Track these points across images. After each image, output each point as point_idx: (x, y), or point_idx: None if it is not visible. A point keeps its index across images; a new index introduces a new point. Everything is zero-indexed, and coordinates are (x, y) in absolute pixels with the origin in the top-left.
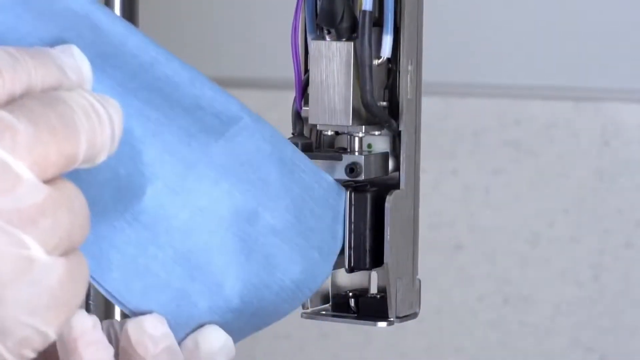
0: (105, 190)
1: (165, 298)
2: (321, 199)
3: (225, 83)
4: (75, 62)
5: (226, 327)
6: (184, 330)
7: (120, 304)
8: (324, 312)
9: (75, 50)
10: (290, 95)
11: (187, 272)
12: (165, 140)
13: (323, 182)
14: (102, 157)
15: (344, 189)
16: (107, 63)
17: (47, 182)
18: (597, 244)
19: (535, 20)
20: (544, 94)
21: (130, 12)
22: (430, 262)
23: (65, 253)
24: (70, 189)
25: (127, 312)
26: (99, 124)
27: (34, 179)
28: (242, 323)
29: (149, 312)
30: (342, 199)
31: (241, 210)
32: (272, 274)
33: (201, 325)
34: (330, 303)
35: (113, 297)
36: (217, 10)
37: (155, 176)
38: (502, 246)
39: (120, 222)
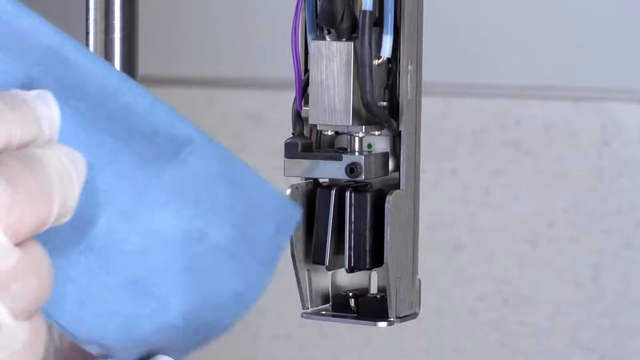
0: (63, 225)
1: (114, 325)
2: (266, 213)
3: (224, 83)
4: (50, 111)
5: (171, 346)
6: (131, 355)
7: (72, 334)
8: (324, 312)
9: (50, 97)
10: (290, 95)
11: (135, 297)
12: (121, 167)
13: (269, 195)
14: (66, 219)
15: (292, 201)
16: (71, 96)
17: (17, 244)
18: (597, 244)
19: (535, 20)
20: (543, 94)
21: (130, 12)
22: (430, 262)
23: (30, 316)
24: (38, 251)
25: (77, 342)
26: (70, 187)
27: (7, 243)
28: (185, 340)
29: (98, 341)
30: (288, 210)
31: (189, 230)
32: (216, 290)
33: (149, 351)
34: (330, 303)
35: (64, 329)
36: (217, 10)
37: (108, 202)
38: (502, 246)
39: (75, 254)
